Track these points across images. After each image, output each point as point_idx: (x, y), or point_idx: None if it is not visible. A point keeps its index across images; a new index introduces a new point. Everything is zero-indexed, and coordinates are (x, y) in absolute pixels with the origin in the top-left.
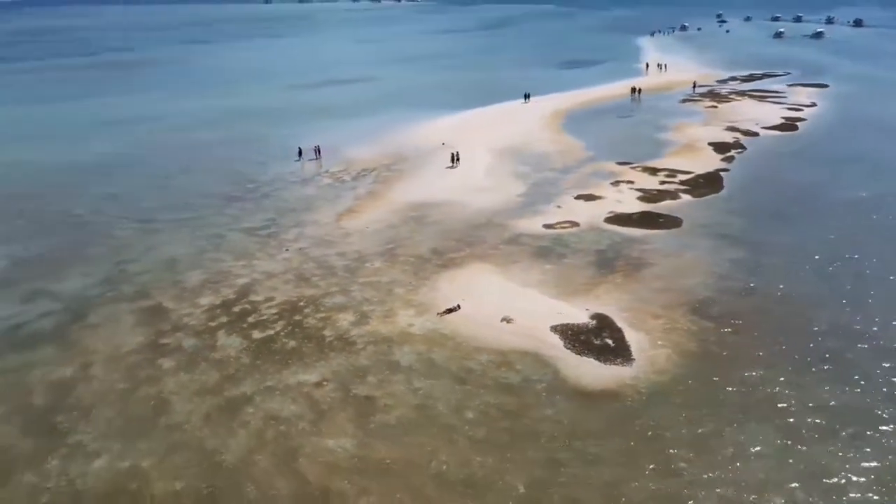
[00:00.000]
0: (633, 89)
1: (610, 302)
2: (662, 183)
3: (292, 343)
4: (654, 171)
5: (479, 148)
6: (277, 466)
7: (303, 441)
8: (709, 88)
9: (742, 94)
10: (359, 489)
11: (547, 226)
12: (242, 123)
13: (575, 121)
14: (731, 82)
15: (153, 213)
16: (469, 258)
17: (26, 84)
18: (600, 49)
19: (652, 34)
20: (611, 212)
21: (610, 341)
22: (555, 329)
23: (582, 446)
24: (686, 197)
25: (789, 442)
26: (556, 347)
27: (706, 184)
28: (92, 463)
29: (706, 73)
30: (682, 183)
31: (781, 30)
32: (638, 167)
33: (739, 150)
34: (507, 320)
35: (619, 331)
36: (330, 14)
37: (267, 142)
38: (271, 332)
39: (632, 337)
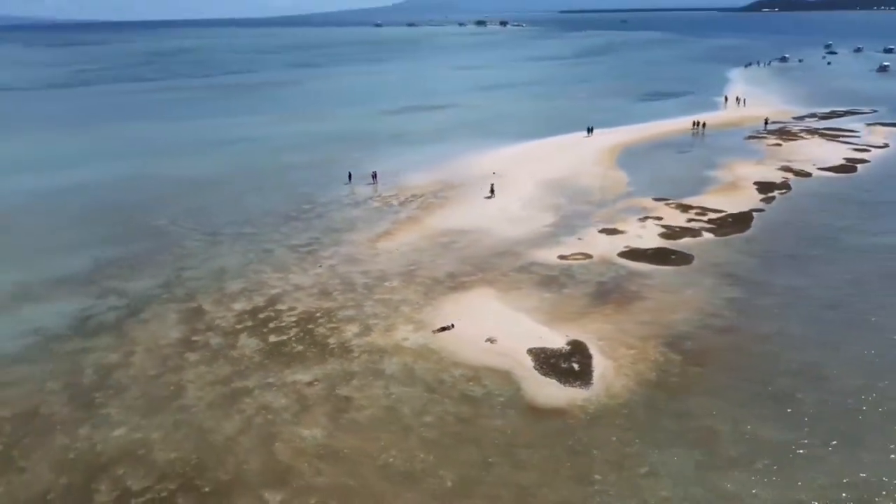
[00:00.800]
0: (695, 123)
1: (591, 330)
2: (690, 220)
3: (300, 347)
4: (686, 208)
5: (526, 179)
6: (256, 447)
7: (283, 429)
8: (781, 125)
9: (813, 132)
10: (315, 470)
11: (561, 257)
12: (324, 148)
13: (631, 155)
14: (807, 119)
15: (220, 227)
16: (478, 283)
17: (150, 103)
18: (688, 80)
19: (747, 65)
20: (627, 246)
21: (576, 366)
22: (530, 351)
23: (515, 452)
24: (708, 235)
25: (704, 468)
26: (525, 368)
27: (734, 223)
28: (113, 431)
29: (785, 109)
30: (709, 221)
31: (887, 63)
32: (672, 203)
33: (784, 191)
34: (490, 341)
35: (590, 357)
36: (434, 38)
37: (337, 165)
38: (285, 337)
39: (599, 364)
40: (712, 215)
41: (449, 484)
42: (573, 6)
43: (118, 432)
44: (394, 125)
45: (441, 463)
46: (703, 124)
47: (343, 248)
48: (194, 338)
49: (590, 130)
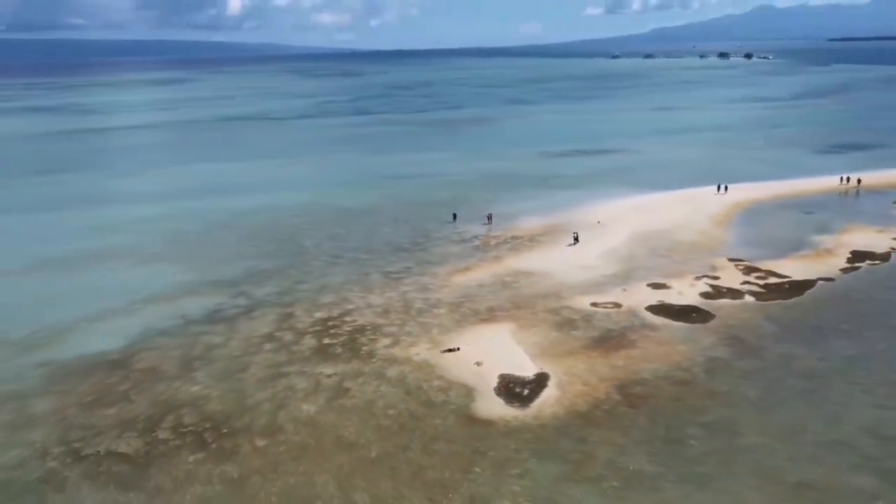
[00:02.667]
0: (843, 179)
1: (564, 367)
2: (745, 283)
3: (339, 350)
4: (754, 270)
5: (623, 230)
6: (269, 411)
7: (292, 402)
8: None
9: None
10: (294, 431)
11: (593, 304)
12: (475, 186)
13: (751, 213)
14: None
15: (344, 252)
16: (507, 317)
17: (360, 136)
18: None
19: None
20: (660, 301)
21: (527, 392)
22: (500, 376)
23: (433, 444)
24: (749, 298)
25: (563, 478)
26: (488, 388)
27: (788, 290)
28: (191, 388)
29: None
30: (764, 285)
31: None
32: (743, 265)
33: (876, 263)
34: (478, 364)
35: (544, 387)
36: (659, 74)
37: (472, 204)
38: (334, 341)
39: (546, 393)
40: (773, 280)
41: (373, 455)
42: (849, 33)
43: (194, 388)
44: (548, 168)
45: (377, 441)
46: (858, 181)
47: (422, 279)
48: (276, 333)
49: (723, 188)
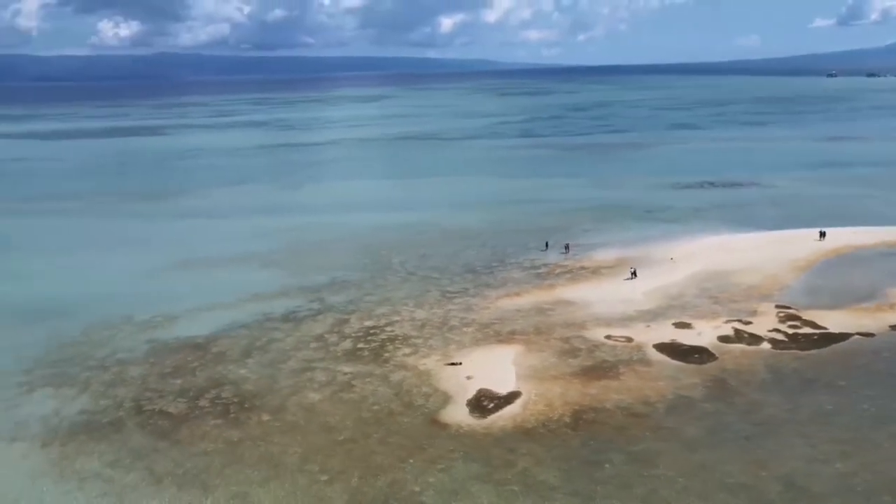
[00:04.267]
0: None
1: (541, 389)
2: (773, 330)
3: (366, 353)
4: (794, 318)
5: (688, 268)
6: (286, 395)
7: (306, 391)
8: None
9: None
10: (294, 412)
11: (608, 336)
12: (580, 215)
13: (843, 260)
14: None
15: (420, 270)
16: (521, 341)
17: (513, 159)
18: None
19: None
20: (674, 340)
21: (492, 406)
22: (479, 390)
23: (390, 437)
24: (765, 346)
25: (475, 478)
26: (463, 398)
27: (815, 342)
28: (240, 370)
29: None
30: (792, 335)
31: None
32: (785, 312)
33: None
34: (468, 377)
35: (510, 404)
36: (875, 95)
37: (569, 233)
38: (366, 346)
39: (510, 409)
40: (806, 329)
41: (340, 438)
42: None
43: (242, 371)
44: (661, 200)
45: (350, 429)
46: None
47: (472, 300)
48: (325, 335)
49: (822, 234)
